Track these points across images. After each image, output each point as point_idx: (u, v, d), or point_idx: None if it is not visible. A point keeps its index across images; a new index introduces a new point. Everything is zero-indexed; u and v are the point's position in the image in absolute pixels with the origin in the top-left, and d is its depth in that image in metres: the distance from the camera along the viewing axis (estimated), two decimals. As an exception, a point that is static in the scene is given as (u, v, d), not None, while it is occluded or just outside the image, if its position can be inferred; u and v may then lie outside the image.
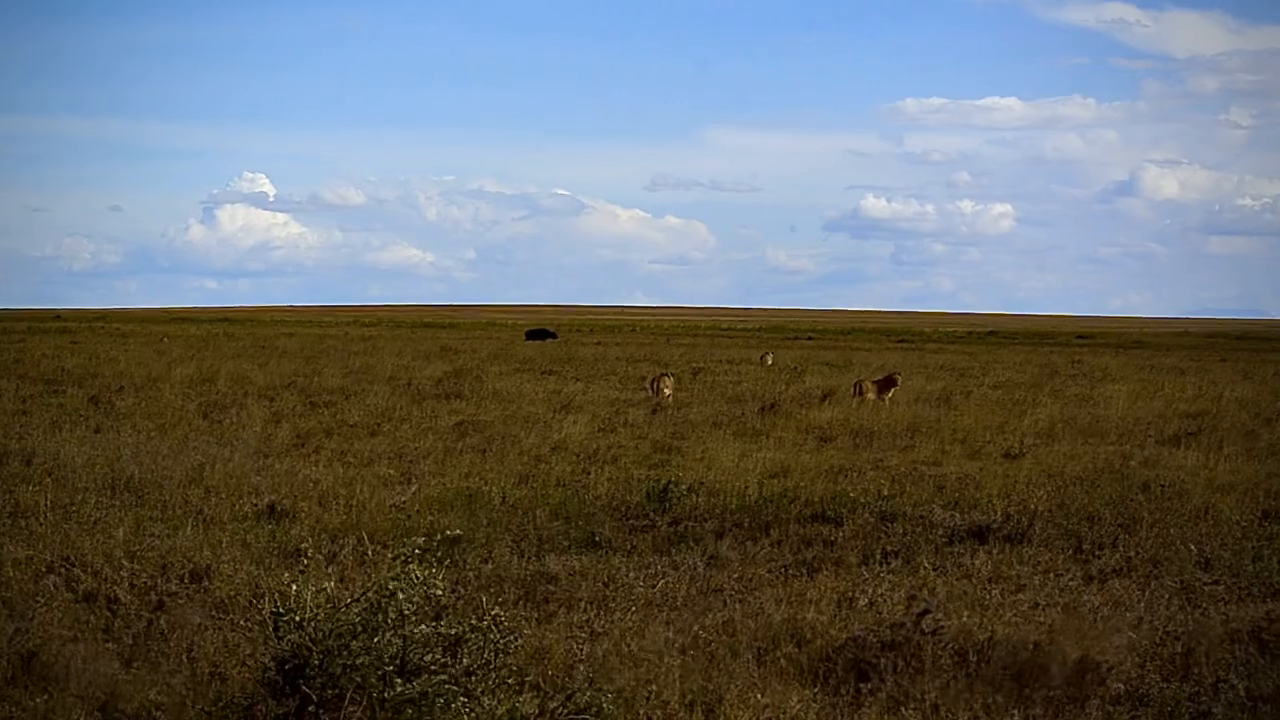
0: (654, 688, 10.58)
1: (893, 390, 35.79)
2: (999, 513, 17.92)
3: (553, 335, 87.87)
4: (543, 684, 10.19)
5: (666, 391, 35.33)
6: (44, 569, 13.69)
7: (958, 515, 17.85)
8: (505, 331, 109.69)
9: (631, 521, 17.74)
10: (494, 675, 9.68)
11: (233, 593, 12.87)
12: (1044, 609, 12.99)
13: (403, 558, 9.96)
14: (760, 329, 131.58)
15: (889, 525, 17.38)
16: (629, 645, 11.58)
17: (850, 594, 13.46)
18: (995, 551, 15.91)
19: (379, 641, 9.57)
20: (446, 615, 9.95)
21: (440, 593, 9.92)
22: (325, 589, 9.92)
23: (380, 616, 9.61)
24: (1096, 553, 16.02)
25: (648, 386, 37.15)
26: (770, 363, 53.97)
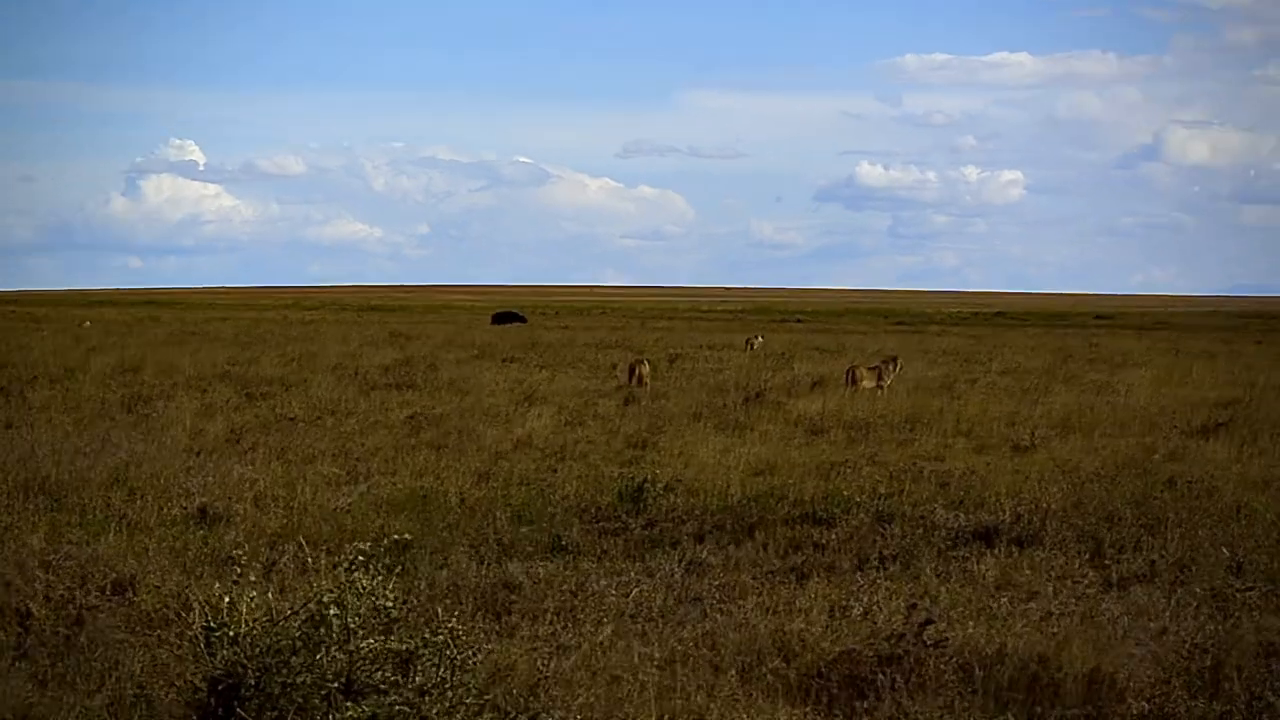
0: (628, 708, 10.58)
1: (892, 376, 35.85)
2: (1008, 512, 17.95)
3: (521, 319, 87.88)
4: (504, 704, 10.18)
5: (646, 378, 35.34)
6: (-51, 580, 13.62)
7: (962, 515, 17.88)
8: (461, 314, 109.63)
9: (602, 524, 17.74)
10: (450, 695, 9.67)
11: (160, 605, 12.83)
12: (1058, 618, 13.00)
13: (348, 565, 9.94)
14: (743, 310, 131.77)
15: (886, 526, 17.40)
16: (600, 660, 11.58)
17: (844, 603, 13.46)
18: (1004, 555, 15.94)
19: (322, 658, 9.56)
20: (397, 629, 9.93)
21: (390, 604, 9.90)
22: (262, 600, 9.89)
23: (323, 631, 9.60)
24: (1116, 556, 16.05)
25: (625, 373, 37.14)
26: (759, 346, 53.99)
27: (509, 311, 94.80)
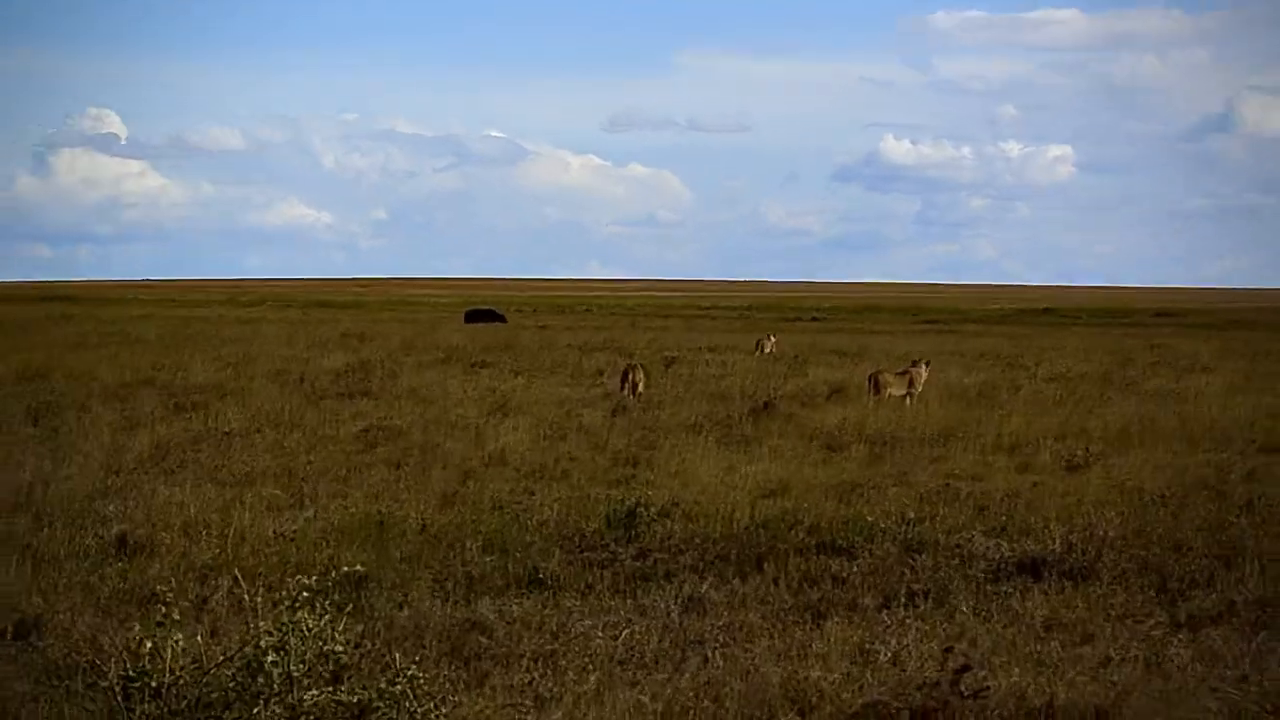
0: (616, 770, 10.53)
1: (922, 379, 35.88)
2: (1058, 541, 17.93)
3: (499, 318, 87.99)
4: (472, 766, 10.14)
5: (640, 387, 35.37)
6: None
7: (1005, 544, 17.86)
8: (424, 312, 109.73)
9: (587, 554, 17.72)
10: (409, 755, 9.62)
11: (69, 651, 12.78)
12: (1118, 665, 12.98)
13: (291, 603, 9.89)
14: (750, 308, 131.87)
15: (916, 557, 17.38)
16: (585, 715, 11.53)
17: (868, 646, 13.46)
18: (1054, 591, 15.92)
19: (260, 713, 9.51)
20: (348, 677, 9.88)
21: (340, 648, 9.85)
22: (190, 645, 9.84)
23: (261, 680, 9.55)
24: (1186, 592, 16.03)
25: (616, 381, 37.16)
26: (770, 350, 54.07)
27: (485, 309, 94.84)
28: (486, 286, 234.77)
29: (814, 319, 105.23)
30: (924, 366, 36.72)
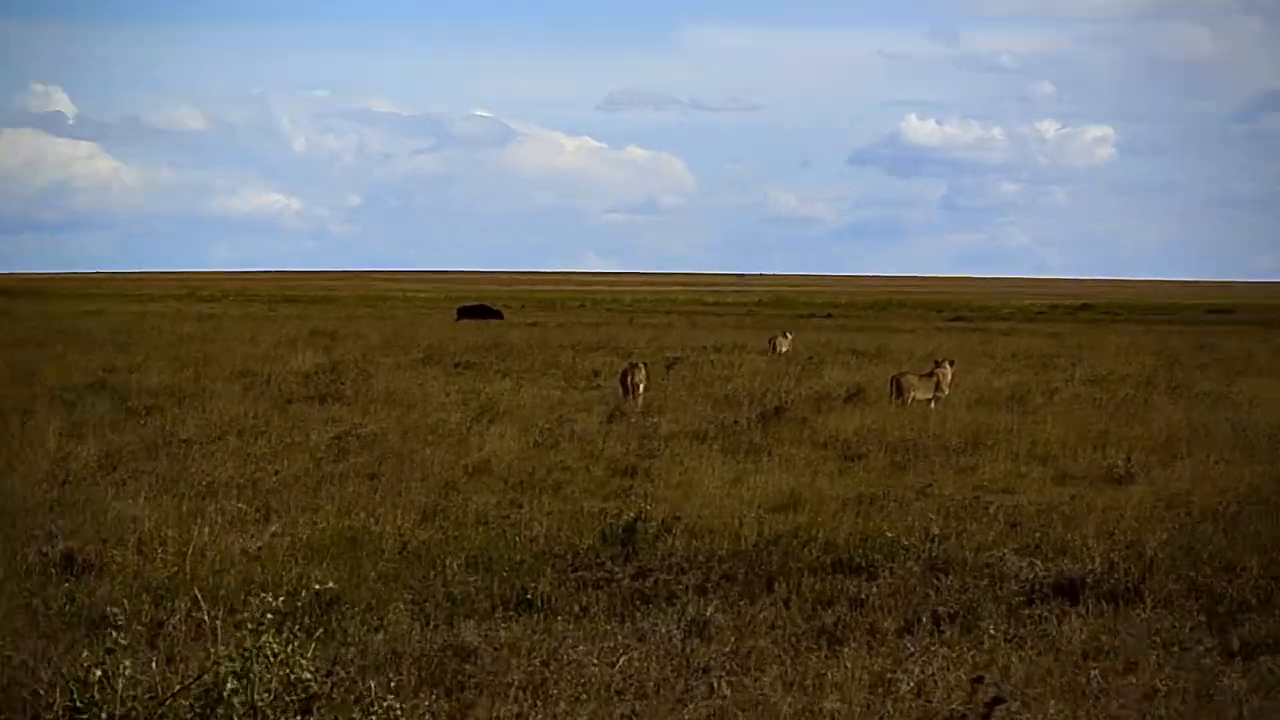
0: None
1: (948, 381, 35.92)
2: (1098, 560, 17.93)
3: (496, 314, 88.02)
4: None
5: (641, 388, 35.39)
6: None
7: (1039, 564, 17.86)
8: (402, 308, 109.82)
9: (581, 574, 17.72)
10: (385, 793, 9.62)
11: (10, 680, 12.76)
12: (1164, 697, 12.98)
13: (255, 626, 9.87)
14: (758, 303, 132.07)
15: (941, 578, 17.39)
16: (577, 750, 11.52)
17: (888, 675, 13.46)
18: (1093, 615, 15.92)
19: (220, 747, 9.50)
20: (318, 708, 9.88)
21: (309, 675, 9.84)
22: (145, 672, 9.83)
23: (222, 710, 9.54)
24: (1239, 617, 16.02)
25: (616, 383, 37.15)
26: (785, 349, 54.17)
27: (479, 305, 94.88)
28: (470, 280, 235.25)
29: (828, 316, 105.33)
30: (949, 367, 36.75)
